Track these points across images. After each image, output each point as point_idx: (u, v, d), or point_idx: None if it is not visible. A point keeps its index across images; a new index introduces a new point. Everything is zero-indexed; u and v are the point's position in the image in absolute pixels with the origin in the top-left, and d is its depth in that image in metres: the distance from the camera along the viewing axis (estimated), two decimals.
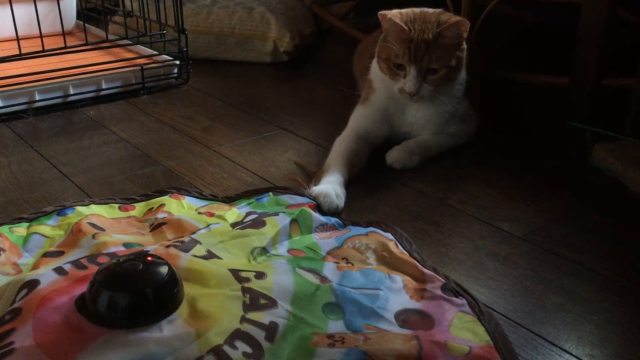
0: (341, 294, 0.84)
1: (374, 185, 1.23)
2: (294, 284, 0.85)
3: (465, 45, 1.29)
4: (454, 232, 1.07)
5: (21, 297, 0.80)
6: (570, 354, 0.79)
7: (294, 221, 1.02)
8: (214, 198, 1.14)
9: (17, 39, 1.56)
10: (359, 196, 1.18)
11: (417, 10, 1.30)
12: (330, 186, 1.14)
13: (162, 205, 1.09)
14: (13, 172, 1.25)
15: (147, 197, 1.14)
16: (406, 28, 1.24)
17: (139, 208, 1.10)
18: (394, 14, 1.27)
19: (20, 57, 1.57)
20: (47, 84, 1.58)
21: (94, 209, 1.08)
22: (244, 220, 1.04)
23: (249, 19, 2.02)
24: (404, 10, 1.30)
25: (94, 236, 0.96)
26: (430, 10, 1.31)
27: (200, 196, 1.15)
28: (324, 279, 0.88)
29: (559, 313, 0.87)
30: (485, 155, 1.38)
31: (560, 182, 1.26)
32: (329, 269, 0.91)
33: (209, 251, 0.92)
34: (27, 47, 1.61)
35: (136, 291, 0.76)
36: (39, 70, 1.58)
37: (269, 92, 1.80)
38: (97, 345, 0.71)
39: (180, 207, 1.10)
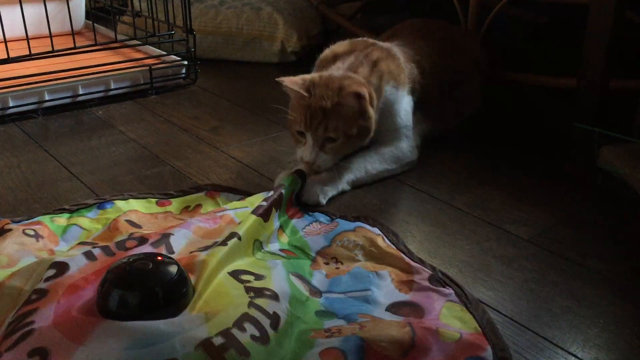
0: (330, 305, 0.87)
1: (381, 188, 1.23)
2: (290, 289, 0.88)
3: (372, 113, 1.18)
4: (460, 235, 1.07)
5: (48, 277, 0.82)
6: (576, 357, 0.79)
7: (280, 227, 1.06)
8: (247, 193, 1.17)
9: (27, 39, 1.57)
10: (366, 198, 1.19)
11: (325, 74, 1.19)
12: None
13: (199, 206, 1.12)
14: (23, 172, 1.26)
15: (183, 193, 1.17)
16: (306, 94, 1.16)
17: (175, 204, 1.14)
18: (294, 80, 1.17)
19: (30, 57, 1.58)
20: (56, 84, 1.59)
21: (133, 203, 1.11)
22: (266, 198, 1.07)
23: (256, 19, 2.03)
24: (308, 75, 1.20)
25: (130, 236, 0.98)
26: (337, 74, 1.19)
27: (234, 191, 1.18)
28: (313, 292, 0.90)
29: (565, 316, 0.87)
30: (491, 157, 1.38)
31: (568, 184, 1.26)
32: (318, 279, 0.94)
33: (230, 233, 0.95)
34: (37, 47, 1.62)
35: (145, 290, 0.78)
36: (48, 71, 1.59)
37: (276, 92, 1.79)
38: (110, 324, 0.74)
39: (216, 206, 1.12)
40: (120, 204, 1.10)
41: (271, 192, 1.09)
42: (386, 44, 1.35)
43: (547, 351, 0.80)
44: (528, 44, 2.26)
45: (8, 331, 0.74)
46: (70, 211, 1.08)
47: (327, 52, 1.33)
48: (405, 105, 1.29)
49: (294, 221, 1.08)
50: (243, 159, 1.34)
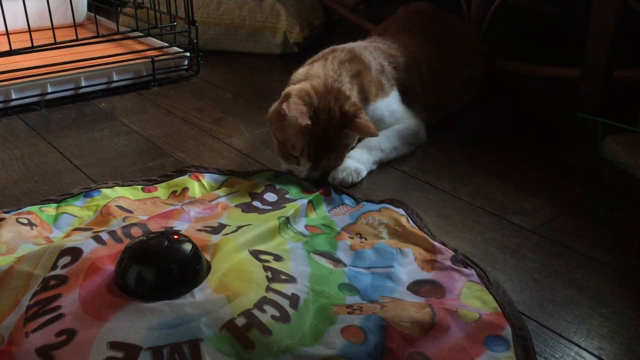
0: (354, 277, 0.89)
1: (384, 179, 1.23)
2: (310, 268, 0.90)
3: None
4: (463, 225, 1.07)
5: (64, 264, 0.83)
6: (579, 346, 0.79)
7: (310, 202, 1.08)
8: (231, 172, 1.20)
9: (29, 31, 1.57)
10: (369, 189, 1.19)
11: (319, 87, 1.17)
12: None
13: (186, 189, 1.13)
14: (26, 164, 1.27)
15: (167, 177, 1.18)
16: (309, 122, 1.11)
17: (161, 189, 1.15)
18: (301, 110, 1.10)
19: (32, 49, 1.58)
20: (59, 76, 1.59)
21: (119, 191, 1.12)
22: (264, 195, 1.10)
23: (259, 10, 2.03)
24: (303, 90, 1.16)
25: (124, 219, 1.00)
26: (331, 87, 1.18)
27: (219, 172, 1.20)
28: (337, 263, 0.92)
29: (568, 306, 0.87)
30: (494, 147, 1.37)
31: (571, 174, 1.26)
32: (342, 248, 0.95)
33: (238, 227, 0.97)
34: (39, 39, 1.61)
35: (161, 266, 0.80)
36: (50, 63, 1.59)
37: (279, 83, 1.79)
38: (136, 307, 0.76)
39: (202, 188, 1.14)
40: (106, 191, 1.11)
41: (268, 193, 1.12)
42: (356, 48, 1.34)
43: (550, 341, 0.80)
44: (532, 34, 2.25)
45: (30, 314, 0.76)
46: (57, 201, 1.09)
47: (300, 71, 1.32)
48: (386, 109, 1.30)
49: (324, 200, 1.10)
50: (246, 151, 1.34)
